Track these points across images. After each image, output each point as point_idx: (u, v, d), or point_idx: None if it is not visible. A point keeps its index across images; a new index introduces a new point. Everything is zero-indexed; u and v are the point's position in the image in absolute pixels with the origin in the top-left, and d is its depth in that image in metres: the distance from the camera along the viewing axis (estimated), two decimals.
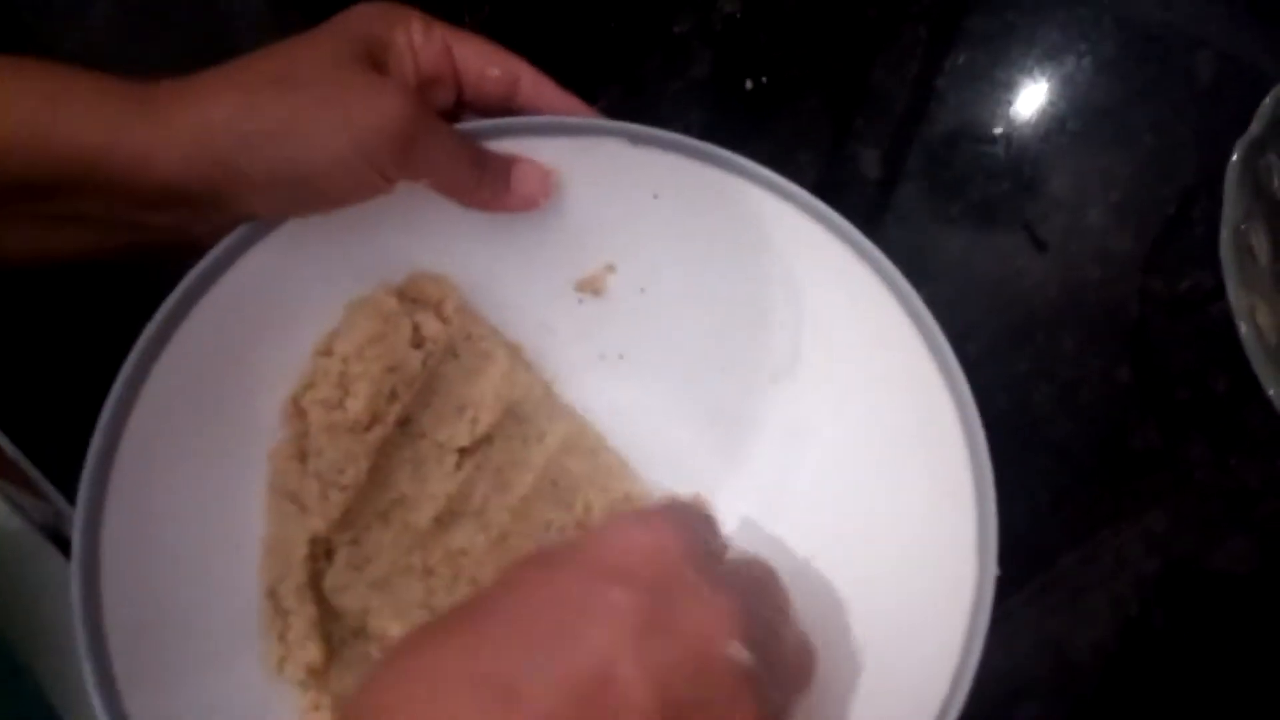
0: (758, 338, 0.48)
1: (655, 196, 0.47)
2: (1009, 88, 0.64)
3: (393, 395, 0.45)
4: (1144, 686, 0.53)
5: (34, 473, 0.52)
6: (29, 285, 0.53)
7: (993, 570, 0.40)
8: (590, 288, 0.50)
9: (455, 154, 0.43)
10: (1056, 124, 0.63)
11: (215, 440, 0.45)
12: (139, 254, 0.43)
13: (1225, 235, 0.51)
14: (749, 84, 0.64)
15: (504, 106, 0.46)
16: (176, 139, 0.38)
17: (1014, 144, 0.63)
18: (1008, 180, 0.62)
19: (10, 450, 0.53)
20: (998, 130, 0.63)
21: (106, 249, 0.42)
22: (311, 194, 0.41)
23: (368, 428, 0.45)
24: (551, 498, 0.49)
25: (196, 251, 0.42)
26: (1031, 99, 0.64)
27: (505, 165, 0.45)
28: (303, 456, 0.46)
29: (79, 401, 0.41)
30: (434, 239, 0.47)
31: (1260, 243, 0.51)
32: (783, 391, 0.49)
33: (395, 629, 0.44)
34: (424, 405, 0.47)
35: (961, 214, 0.61)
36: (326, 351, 0.46)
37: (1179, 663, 0.54)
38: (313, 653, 0.43)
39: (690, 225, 0.47)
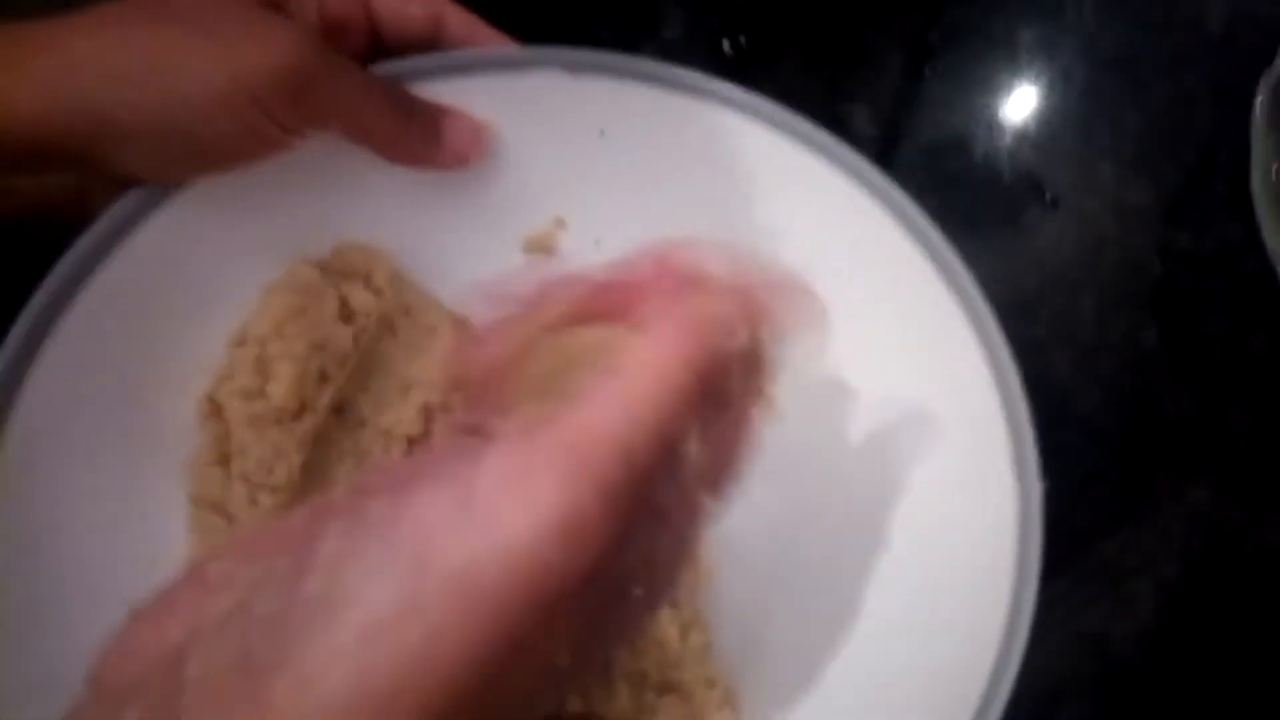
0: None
1: (602, 134, 0.43)
2: (1009, 40, 0.61)
3: (323, 377, 0.41)
4: (1196, 677, 0.50)
5: None
6: None
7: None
8: (539, 247, 0.46)
9: (368, 95, 0.39)
10: (1061, 75, 0.60)
11: (120, 450, 0.41)
12: (13, 227, 0.38)
13: (1257, 178, 0.49)
14: (727, 45, 0.59)
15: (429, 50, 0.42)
16: (34, 81, 0.34)
17: (1017, 98, 0.59)
18: (1012, 135, 0.59)
19: None
20: (999, 84, 0.59)
21: None
22: (192, 146, 0.37)
23: (296, 416, 0.41)
24: None
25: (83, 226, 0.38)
26: (1034, 51, 0.60)
27: (434, 115, 0.41)
28: (225, 460, 0.42)
29: None
30: (360, 205, 0.43)
31: None
32: None
33: None
34: (361, 389, 0.43)
35: (964, 171, 0.58)
36: (241, 341, 0.42)
37: (1233, 649, 0.50)
38: None
39: (644, 163, 0.43)
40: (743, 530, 0.42)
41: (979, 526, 0.37)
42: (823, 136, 0.41)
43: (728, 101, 0.41)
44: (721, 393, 0.25)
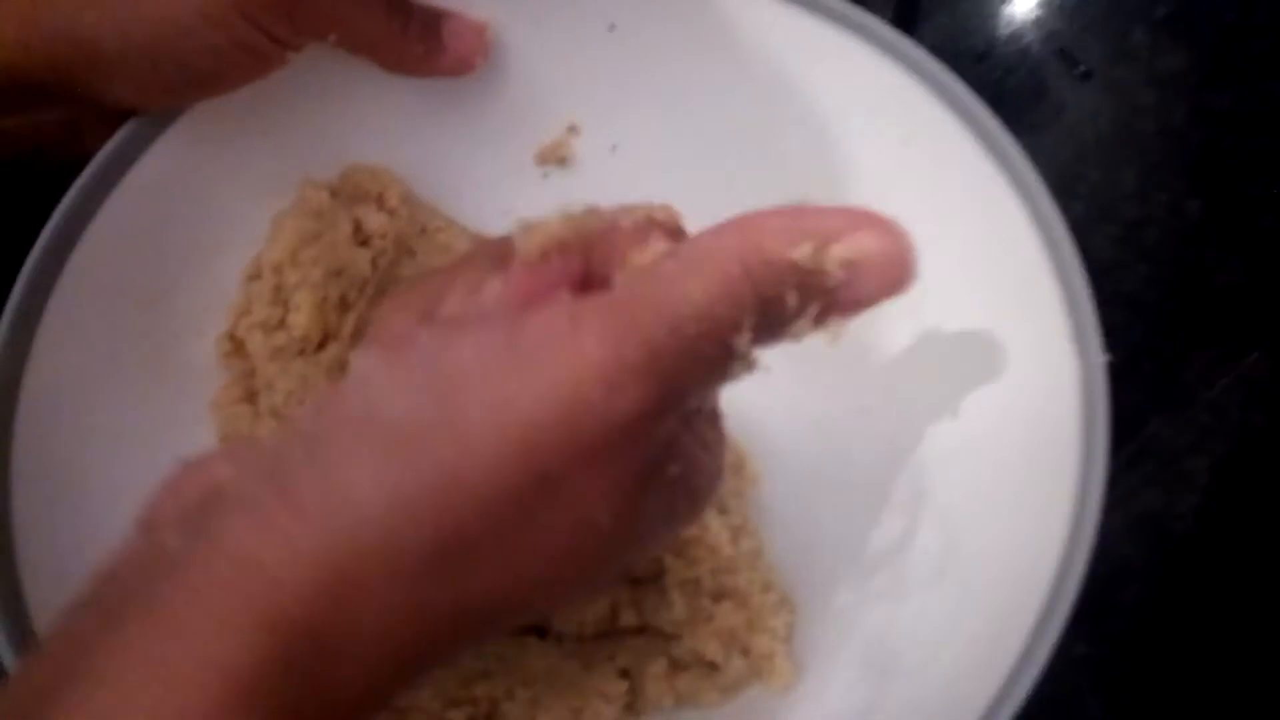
0: (769, 177, 0.41)
1: (612, 28, 0.41)
2: None
3: (343, 304, 0.40)
4: (1256, 552, 0.49)
5: None
6: None
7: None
8: (553, 157, 0.44)
9: (362, 0, 0.38)
10: None
11: (144, 395, 0.40)
12: (7, 166, 0.38)
13: None
14: None
15: None
16: (10, 12, 0.34)
17: None
18: (1038, 5, 0.57)
19: None
20: None
21: None
22: (182, 67, 0.36)
23: (320, 345, 0.40)
24: None
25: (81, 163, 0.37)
26: None
27: (433, 17, 0.40)
28: (251, 397, 0.42)
29: None
30: (365, 124, 0.43)
31: None
32: None
33: None
34: None
35: (989, 48, 0.57)
36: (256, 274, 0.42)
37: None
38: None
39: (660, 57, 0.42)
40: (789, 434, 0.41)
41: (1039, 408, 0.35)
42: (851, 11, 0.39)
43: None
44: (777, 305, 0.25)
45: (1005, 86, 0.56)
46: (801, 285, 0.25)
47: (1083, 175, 0.54)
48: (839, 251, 0.25)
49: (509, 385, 0.23)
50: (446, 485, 0.23)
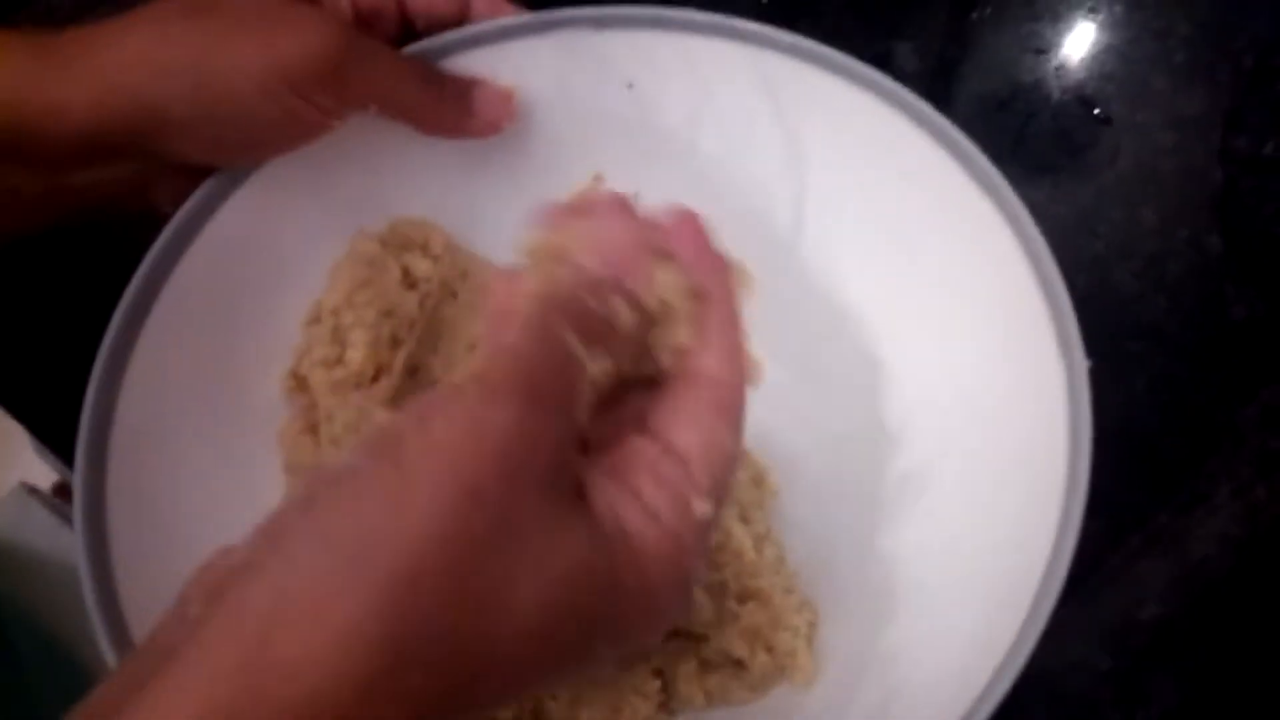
0: (772, 219, 0.47)
1: (630, 86, 0.47)
2: None
3: (394, 342, 0.45)
4: (1277, 573, 0.51)
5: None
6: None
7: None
8: None
9: (400, 75, 0.44)
10: None
11: (216, 431, 0.45)
12: (82, 219, 0.43)
13: None
14: None
15: None
16: (88, 82, 0.39)
17: (1060, 17, 0.61)
18: (1058, 56, 0.61)
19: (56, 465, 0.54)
20: (1040, 6, 0.61)
21: (41, 220, 0.42)
22: (241, 132, 0.42)
23: (374, 379, 0.45)
24: None
25: (150, 215, 0.43)
26: None
27: (464, 86, 0.46)
28: (313, 429, 0.47)
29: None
30: (409, 182, 0.48)
31: None
32: (822, 275, 0.47)
33: None
34: (431, 350, 0.48)
35: (1011, 97, 0.60)
36: (315, 319, 0.47)
37: None
38: None
39: (672, 109, 0.47)
40: (807, 450, 0.46)
41: (1032, 424, 0.39)
42: (863, 68, 0.44)
43: (753, 39, 0.44)
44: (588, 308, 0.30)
45: (1027, 131, 0.59)
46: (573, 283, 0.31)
47: (1103, 214, 0.57)
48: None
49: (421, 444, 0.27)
50: (383, 539, 0.26)
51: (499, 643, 0.27)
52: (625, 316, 0.31)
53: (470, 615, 0.26)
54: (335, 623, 0.25)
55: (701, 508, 0.30)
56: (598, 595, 0.28)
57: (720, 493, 0.31)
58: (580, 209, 0.34)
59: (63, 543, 0.64)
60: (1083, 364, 0.38)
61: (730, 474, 0.32)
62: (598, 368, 0.30)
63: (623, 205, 0.34)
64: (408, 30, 0.46)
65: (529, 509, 0.27)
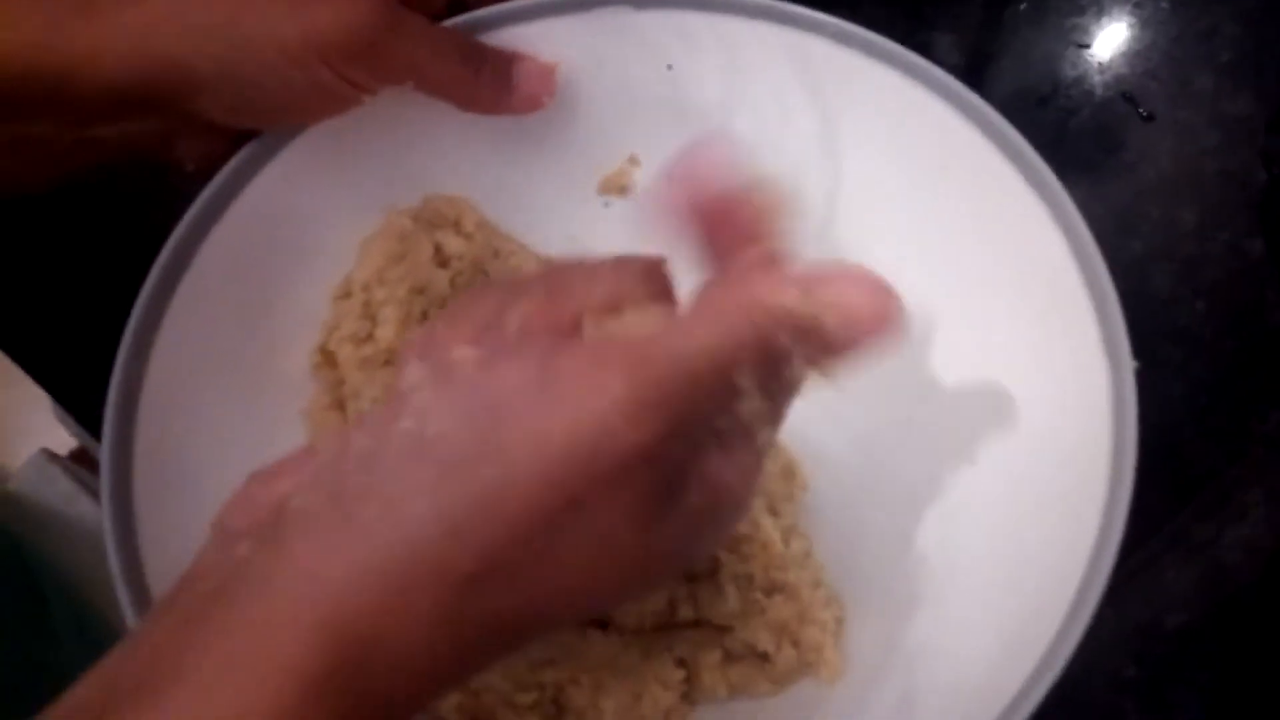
0: (806, 206, 0.47)
1: (669, 67, 0.47)
2: None
3: (425, 319, 0.46)
4: None
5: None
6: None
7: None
8: (615, 186, 0.50)
9: (438, 49, 0.43)
10: None
11: (244, 405, 0.46)
12: (104, 172, 0.43)
13: None
14: None
15: None
16: (118, 35, 0.39)
17: (1105, 11, 0.61)
18: (1102, 52, 0.61)
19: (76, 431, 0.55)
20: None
21: (66, 172, 0.42)
22: (267, 98, 0.41)
23: None
24: None
25: (173, 178, 0.43)
26: None
27: (504, 61, 0.45)
28: (341, 405, 0.47)
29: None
30: (443, 158, 0.48)
31: None
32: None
33: None
34: None
35: (1054, 91, 0.60)
36: (345, 294, 0.47)
37: None
38: None
39: (709, 91, 0.47)
40: (838, 444, 0.46)
41: (1075, 426, 0.39)
42: (908, 55, 0.44)
43: (801, 23, 0.44)
44: (774, 345, 0.30)
45: (1068, 128, 0.59)
46: (794, 328, 0.30)
47: (1144, 213, 0.57)
48: (822, 294, 0.30)
49: (545, 418, 0.28)
50: (490, 508, 0.27)
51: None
52: (798, 376, 0.31)
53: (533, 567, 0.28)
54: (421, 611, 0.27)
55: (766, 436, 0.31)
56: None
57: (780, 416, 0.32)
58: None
59: (81, 508, 0.65)
60: (1129, 366, 0.39)
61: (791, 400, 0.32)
62: (747, 408, 0.30)
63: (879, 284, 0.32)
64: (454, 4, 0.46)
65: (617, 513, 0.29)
